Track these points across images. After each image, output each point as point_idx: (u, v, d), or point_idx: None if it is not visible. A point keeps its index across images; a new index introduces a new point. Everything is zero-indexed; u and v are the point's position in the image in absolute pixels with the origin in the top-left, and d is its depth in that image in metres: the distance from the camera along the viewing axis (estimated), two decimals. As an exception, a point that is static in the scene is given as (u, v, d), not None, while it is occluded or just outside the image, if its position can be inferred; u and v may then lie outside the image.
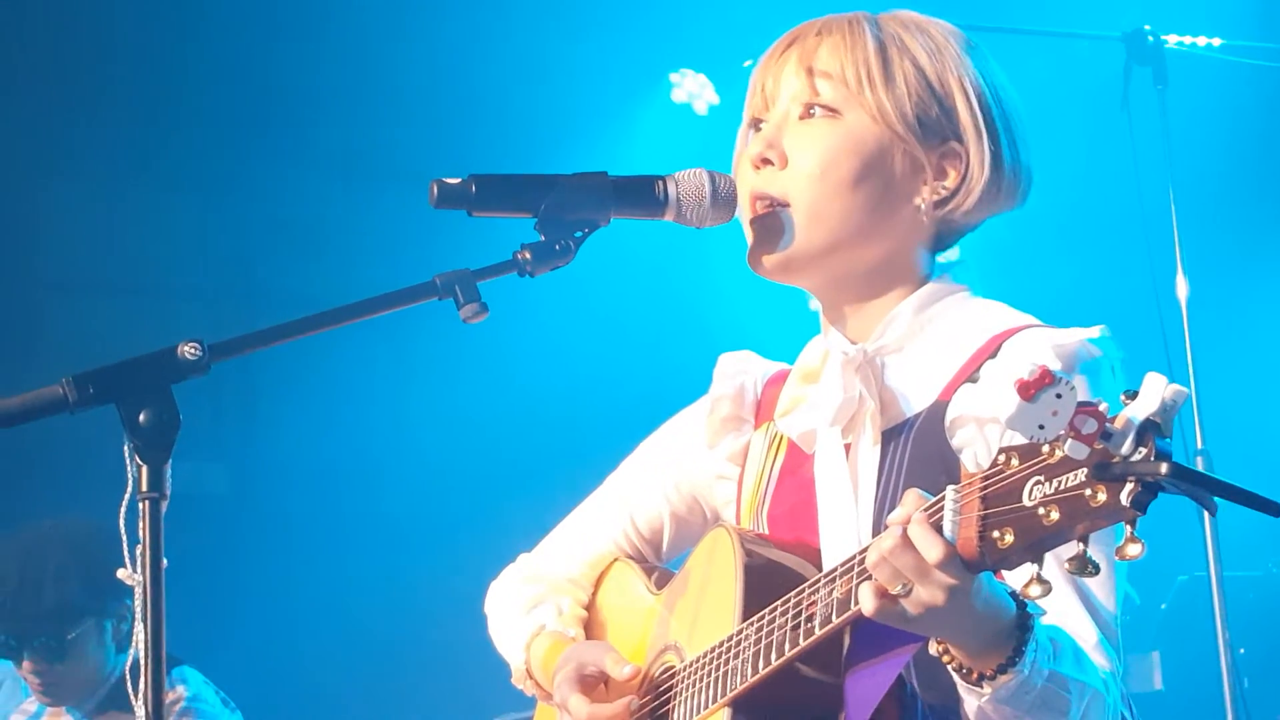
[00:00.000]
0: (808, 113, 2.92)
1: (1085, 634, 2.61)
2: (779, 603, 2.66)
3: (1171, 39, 6.23)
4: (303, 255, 7.89)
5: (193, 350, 2.59)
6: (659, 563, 3.29)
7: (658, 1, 7.87)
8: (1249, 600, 6.87)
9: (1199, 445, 5.91)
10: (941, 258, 2.97)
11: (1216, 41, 6.44)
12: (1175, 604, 7.22)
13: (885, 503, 2.77)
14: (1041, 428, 2.11)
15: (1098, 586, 2.65)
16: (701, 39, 7.83)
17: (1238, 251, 7.50)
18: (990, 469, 2.26)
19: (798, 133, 2.93)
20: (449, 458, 7.72)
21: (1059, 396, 2.11)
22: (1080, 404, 2.11)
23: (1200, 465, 5.91)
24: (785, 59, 2.97)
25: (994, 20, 6.57)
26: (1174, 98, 6.15)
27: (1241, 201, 7.69)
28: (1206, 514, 5.67)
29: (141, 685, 2.48)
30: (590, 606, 3.28)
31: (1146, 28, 6.17)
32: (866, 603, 2.41)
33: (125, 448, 2.54)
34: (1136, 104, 6.08)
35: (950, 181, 2.92)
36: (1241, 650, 6.13)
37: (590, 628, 3.24)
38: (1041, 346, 2.71)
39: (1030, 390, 2.11)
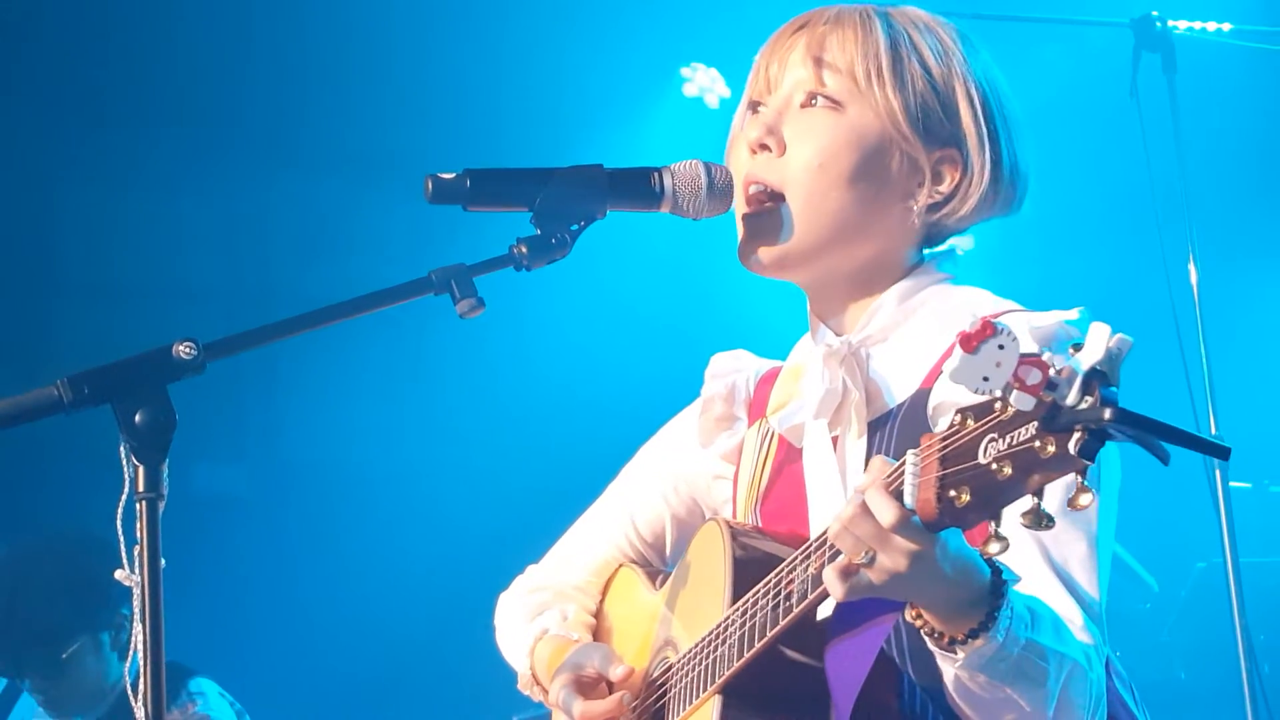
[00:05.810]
0: (810, 101, 2.90)
1: (1070, 614, 2.59)
2: (761, 586, 2.66)
3: (1180, 24, 6.20)
4: (317, 254, 7.88)
5: (187, 350, 2.58)
6: (663, 566, 3.29)
7: (668, -4, 7.87)
8: (1269, 586, 6.86)
9: (1213, 431, 5.88)
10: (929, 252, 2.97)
11: (1226, 27, 6.40)
12: (1195, 591, 7.22)
13: None
14: (986, 379, 2.10)
15: (1080, 571, 2.63)
16: (713, 33, 7.82)
17: (1249, 237, 7.49)
18: (948, 430, 2.24)
19: (799, 121, 2.90)
20: (470, 460, 7.72)
21: (1001, 348, 2.09)
22: (1023, 355, 2.09)
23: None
24: (792, 45, 2.94)
25: (1002, 8, 6.55)
26: (1183, 84, 6.12)
27: (1252, 187, 7.67)
28: (1221, 498, 5.72)
29: (141, 686, 2.47)
30: (597, 614, 3.28)
31: (1155, 14, 6.13)
32: (833, 586, 2.40)
33: (121, 448, 2.53)
34: (1145, 90, 6.04)
35: (945, 186, 2.90)
36: (1261, 636, 6.11)
37: (598, 634, 3.24)
38: (1018, 328, 2.70)
39: (972, 342, 2.10)
